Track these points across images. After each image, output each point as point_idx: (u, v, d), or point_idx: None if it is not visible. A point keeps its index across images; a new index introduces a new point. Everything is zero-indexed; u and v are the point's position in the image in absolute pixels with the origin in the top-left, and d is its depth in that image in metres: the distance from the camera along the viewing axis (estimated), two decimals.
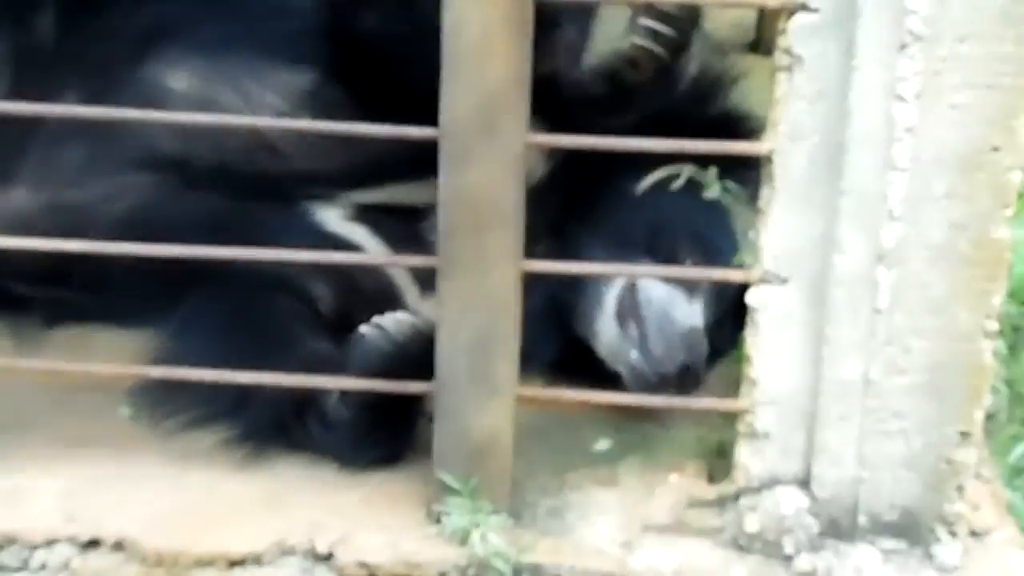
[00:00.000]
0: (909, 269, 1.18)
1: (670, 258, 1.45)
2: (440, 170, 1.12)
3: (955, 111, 1.12)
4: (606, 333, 1.44)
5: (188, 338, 1.36)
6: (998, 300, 1.21)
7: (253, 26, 1.49)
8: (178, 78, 1.43)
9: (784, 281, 1.22)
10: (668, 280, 1.41)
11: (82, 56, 1.41)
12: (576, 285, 1.44)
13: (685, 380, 1.38)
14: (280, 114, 1.40)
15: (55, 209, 1.41)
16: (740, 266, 1.28)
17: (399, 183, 1.49)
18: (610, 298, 1.43)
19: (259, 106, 1.40)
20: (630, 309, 1.42)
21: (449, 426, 1.24)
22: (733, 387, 1.33)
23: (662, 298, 1.41)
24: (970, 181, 1.15)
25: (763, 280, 1.21)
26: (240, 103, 1.40)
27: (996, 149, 1.13)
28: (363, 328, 1.32)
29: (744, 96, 1.51)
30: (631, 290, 1.42)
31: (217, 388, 1.25)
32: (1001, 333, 1.43)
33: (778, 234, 1.20)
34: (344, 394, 1.25)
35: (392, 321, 1.32)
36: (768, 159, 1.17)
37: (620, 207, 1.45)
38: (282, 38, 1.48)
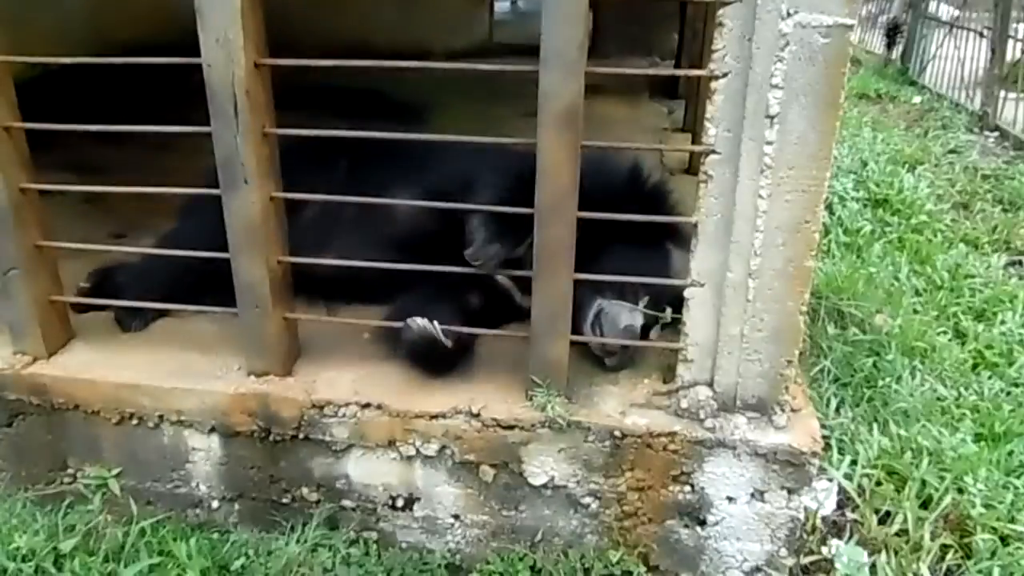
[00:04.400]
0: (764, 281, 1.79)
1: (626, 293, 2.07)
2: None
3: (787, 204, 1.71)
4: (586, 332, 2.06)
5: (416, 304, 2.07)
6: (807, 296, 1.81)
7: None
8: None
9: (703, 285, 1.86)
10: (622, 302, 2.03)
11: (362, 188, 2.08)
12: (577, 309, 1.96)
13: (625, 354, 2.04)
14: None
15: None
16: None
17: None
18: (589, 313, 2.07)
19: None
20: (596, 317, 2.06)
21: (538, 353, 1.95)
22: (676, 338, 1.95)
23: (615, 311, 2.03)
24: (794, 238, 1.74)
25: (693, 284, 1.86)
26: None
27: (807, 221, 1.73)
28: (408, 320, 1.99)
29: (682, 195, 2.21)
30: (599, 310, 2.06)
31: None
32: (809, 311, 2.14)
33: (700, 262, 1.84)
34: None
35: (415, 323, 1.98)
36: (695, 226, 1.81)
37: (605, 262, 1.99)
38: None
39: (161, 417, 2.15)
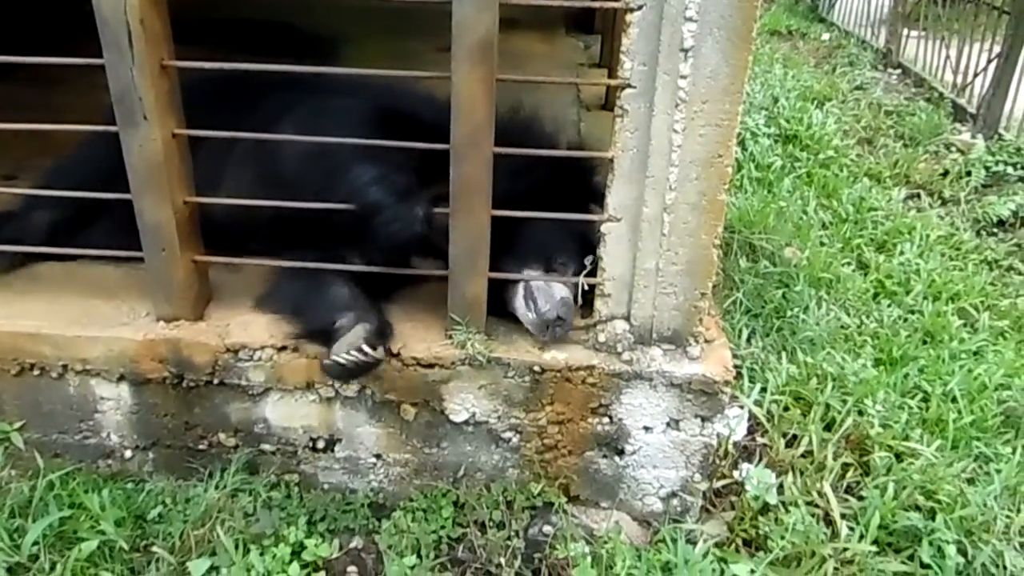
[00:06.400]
0: (679, 215, 1.83)
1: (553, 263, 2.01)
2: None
3: (701, 138, 1.75)
4: (519, 307, 2.00)
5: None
6: (720, 229, 1.86)
7: None
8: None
9: (619, 220, 1.88)
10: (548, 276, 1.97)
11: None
12: (505, 285, 1.98)
13: (561, 324, 1.94)
14: None
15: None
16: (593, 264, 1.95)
17: None
18: (519, 288, 1.99)
19: None
20: (527, 292, 1.98)
21: (457, 291, 1.95)
22: (596, 275, 1.97)
23: (543, 286, 1.96)
24: (708, 172, 1.78)
25: (609, 219, 1.88)
26: None
27: (720, 156, 1.77)
28: (334, 350, 1.88)
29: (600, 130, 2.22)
30: (528, 285, 1.98)
31: None
32: (722, 245, 2.19)
33: (616, 197, 1.86)
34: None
35: (344, 351, 1.87)
36: (611, 161, 1.83)
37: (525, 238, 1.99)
38: None
39: (65, 367, 2.07)
